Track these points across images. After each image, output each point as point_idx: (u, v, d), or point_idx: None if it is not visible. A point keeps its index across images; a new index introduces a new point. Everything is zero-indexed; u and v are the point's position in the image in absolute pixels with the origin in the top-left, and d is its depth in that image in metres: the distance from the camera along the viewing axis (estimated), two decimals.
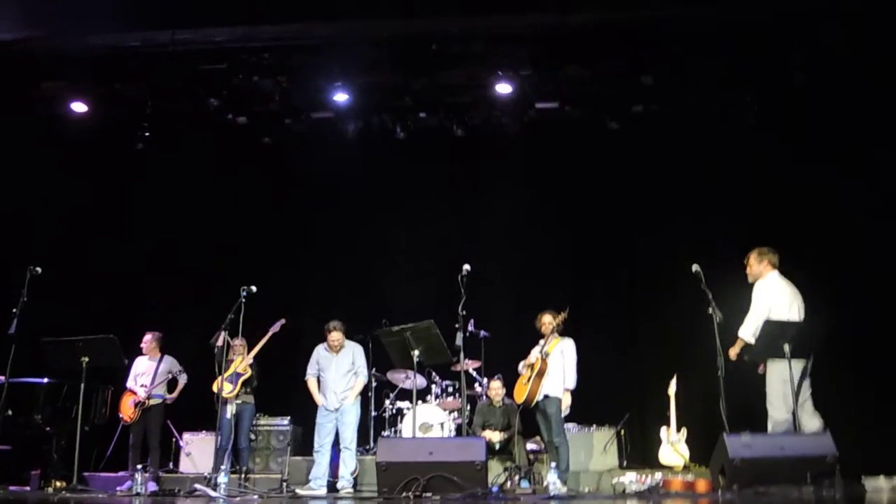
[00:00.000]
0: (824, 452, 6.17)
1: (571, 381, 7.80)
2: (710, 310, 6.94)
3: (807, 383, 6.85)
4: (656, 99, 9.54)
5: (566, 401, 7.81)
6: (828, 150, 8.72)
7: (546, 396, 7.75)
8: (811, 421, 6.77)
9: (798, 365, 6.74)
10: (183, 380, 8.85)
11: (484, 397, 8.89)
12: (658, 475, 7.17)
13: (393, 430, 9.18)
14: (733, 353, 6.98)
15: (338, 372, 8.24)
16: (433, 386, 9.35)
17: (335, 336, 8.25)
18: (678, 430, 8.25)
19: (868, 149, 8.48)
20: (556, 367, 7.76)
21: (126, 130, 10.13)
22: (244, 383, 8.42)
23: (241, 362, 8.44)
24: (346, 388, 8.21)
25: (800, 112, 8.98)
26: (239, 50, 9.13)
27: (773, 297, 7.03)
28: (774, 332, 6.76)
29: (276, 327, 8.56)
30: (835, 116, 8.77)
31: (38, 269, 7.79)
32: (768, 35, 8.63)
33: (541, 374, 7.71)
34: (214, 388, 8.15)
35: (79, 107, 9.80)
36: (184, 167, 10.48)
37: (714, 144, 9.40)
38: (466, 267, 7.30)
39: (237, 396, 8.34)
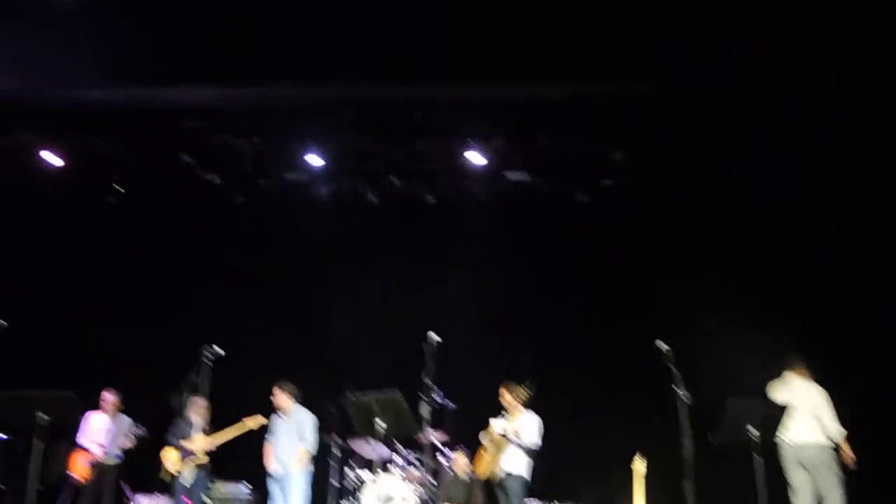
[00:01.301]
0: None
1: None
2: (675, 388, 6.95)
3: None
4: (627, 174, 9.70)
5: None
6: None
7: (508, 474, 7.62)
8: None
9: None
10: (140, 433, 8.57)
11: (449, 470, 8.73)
12: None
13: (352, 499, 8.92)
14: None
15: (284, 437, 8.04)
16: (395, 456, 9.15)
17: (274, 396, 8.08)
18: None
19: None
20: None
21: (96, 183, 10.09)
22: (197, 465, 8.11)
23: (201, 444, 8.10)
24: (290, 454, 7.96)
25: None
26: (216, 110, 9.17)
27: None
28: (739, 413, 6.73)
29: (253, 424, 8.25)
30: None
31: (4, 323, 7.52)
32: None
33: (502, 449, 7.60)
34: (166, 463, 7.95)
35: (50, 158, 9.73)
36: (153, 223, 10.37)
37: (684, 220, 9.54)
38: (433, 335, 7.25)
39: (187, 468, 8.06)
